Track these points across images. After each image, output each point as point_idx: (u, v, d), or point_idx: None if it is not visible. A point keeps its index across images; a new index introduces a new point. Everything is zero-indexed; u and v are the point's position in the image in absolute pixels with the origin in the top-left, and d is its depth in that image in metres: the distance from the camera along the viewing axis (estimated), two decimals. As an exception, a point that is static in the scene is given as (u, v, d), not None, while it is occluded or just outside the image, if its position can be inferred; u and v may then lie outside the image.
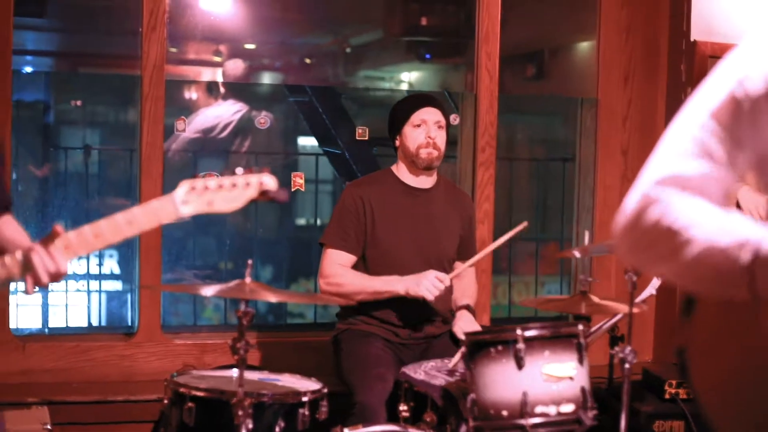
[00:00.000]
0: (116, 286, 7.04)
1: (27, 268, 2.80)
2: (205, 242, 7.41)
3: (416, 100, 4.83)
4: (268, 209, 7.31)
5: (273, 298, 3.68)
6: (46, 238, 2.81)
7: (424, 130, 4.67)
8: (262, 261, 7.46)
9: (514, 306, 7.03)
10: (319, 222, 7.66)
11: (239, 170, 2.87)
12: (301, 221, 8.33)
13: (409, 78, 7.97)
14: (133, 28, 5.34)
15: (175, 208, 2.83)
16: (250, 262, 3.70)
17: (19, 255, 2.83)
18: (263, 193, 2.86)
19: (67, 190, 6.67)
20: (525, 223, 4.56)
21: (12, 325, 5.08)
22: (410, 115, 4.71)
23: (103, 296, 6.97)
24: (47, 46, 7.28)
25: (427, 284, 4.46)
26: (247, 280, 3.64)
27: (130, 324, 5.49)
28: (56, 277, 2.82)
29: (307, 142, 8.32)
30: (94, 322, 6.84)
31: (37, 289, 2.84)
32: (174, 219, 2.86)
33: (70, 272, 2.87)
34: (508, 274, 7.19)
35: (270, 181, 2.88)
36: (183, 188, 2.83)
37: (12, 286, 3.30)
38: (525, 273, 7.55)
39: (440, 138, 4.69)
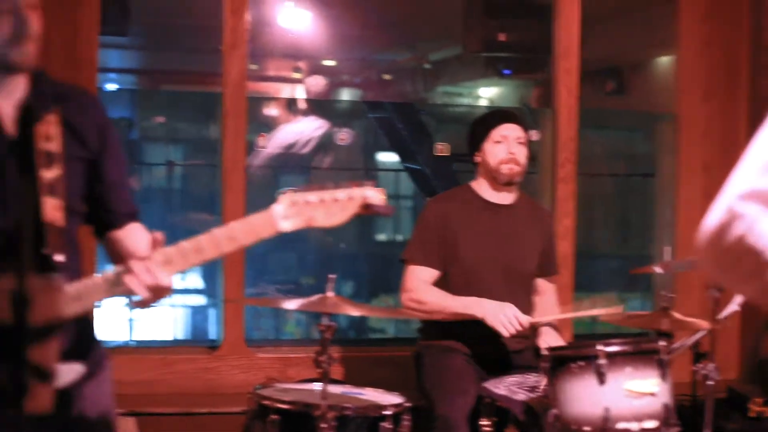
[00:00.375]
0: (199, 300, 7.12)
1: (124, 286, 2.74)
2: (286, 257, 7.47)
3: (496, 116, 4.83)
4: (348, 224, 7.34)
5: (355, 312, 3.71)
6: (142, 256, 2.74)
7: (505, 147, 4.67)
8: (343, 276, 7.50)
9: (598, 323, 6.98)
10: (399, 237, 7.69)
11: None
12: (382, 237, 8.36)
13: (487, 93, 7.97)
14: (214, 45, 5.41)
15: (275, 223, 2.75)
16: (332, 276, 3.73)
17: (116, 270, 2.79)
18: (366, 207, 2.75)
19: (150, 206, 6.76)
20: (620, 308, 4.44)
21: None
22: (490, 131, 4.71)
23: (187, 310, 7.06)
24: (130, 63, 7.40)
25: (503, 320, 4.41)
26: (330, 294, 3.67)
27: (213, 337, 5.54)
28: (157, 291, 2.75)
29: (387, 157, 8.35)
30: (178, 336, 6.93)
31: (142, 305, 2.77)
32: (274, 234, 2.78)
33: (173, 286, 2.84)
34: (591, 290, 7.15)
35: (374, 195, 2.76)
36: (283, 203, 2.75)
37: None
38: (607, 289, 7.50)
39: (521, 154, 4.68)
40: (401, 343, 5.89)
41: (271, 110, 7.26)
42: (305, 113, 7.17)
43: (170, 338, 6.84)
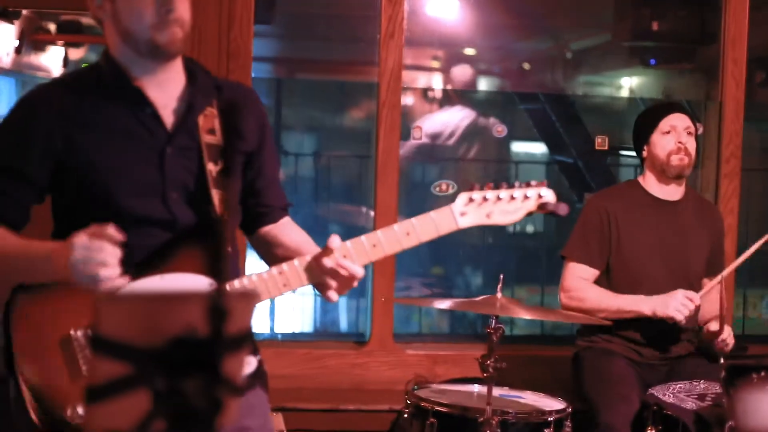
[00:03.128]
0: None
1: (314, 278, 2.80)
2: (426, 248, 7.36)
3: (663, 107, 4.66)
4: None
5: (526, 315, 3.56)
6: (324, 249, 2.79)
7: (674, 137, 4.49)
8: (473, 268, 7.35)
9: (747, 320, 6.75)
10: (530, 229, 7.53)
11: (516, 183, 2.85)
12: (512, 228, 8.20)
13: (629, 84, 7.77)
14: (366, 34, 5.33)
15: (453, 219, 2.82)
16: (501, 276, 3.60)
17: (301, 263, 2.81)
18: (541, 206, 2.83)
19: (298, 197, 6.72)
20: None
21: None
22: (659, 122, 4.53)
23: (315, 300, 6.99)
24: (271, 52, 7.38)
25: (676, 305, 4.27)
26: (498, 295, 3.54)
27: (353, 329, 5.48)
28: (350, 282, 2.80)
29: (530, 148, 8.19)
30: (307, 327, 6.88)
31: (336, 296, 2.83)
32: (452, 230, 2.84)
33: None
34: (743, 287, 6.90)
35: (549, 194, 2.85)
36: (461, 199, 2.83)
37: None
38: (761, 286, 7.23)
39: (691, 144, 4.50)
40: (553, 342, 5.74)
41: (417, 100, 7.16)
42: (452, 103, 7.04)
43: (306, 329, 6.78)
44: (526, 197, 2.83)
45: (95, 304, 1.81)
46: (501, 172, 7.19)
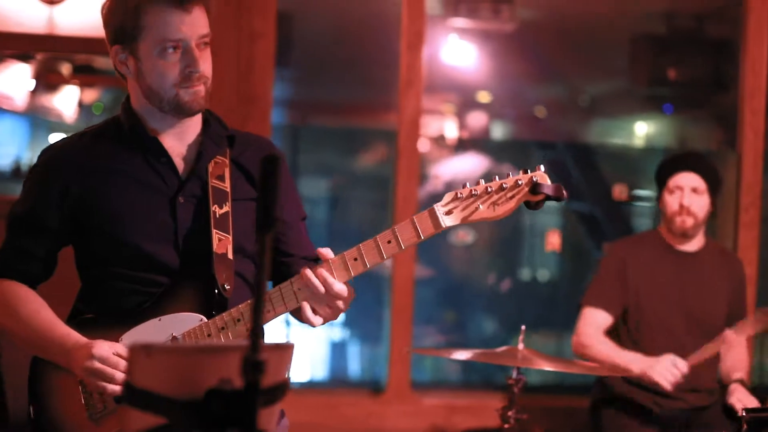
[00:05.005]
0: (335, 334, 7.03)
1: (298, 296, 2.75)
2: (428, 292, 7.34)
3: (673, 163, 4.61)
4: (491, 259, 7.16)
5: (549, 366, 3.51)
6: (309, 267, 2.75)
7: (678, 198, 4.48)
8: (484, 313, 7.32)
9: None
10: (545, 276, 7.50)
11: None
12: (525, 275, 8.17)
13: (643, 131, 7.77)
14: (383, 80, 5.36)
15: (436, 218, 2.68)
16: (523, 328, 3.56)
17: (284, 284, 2.78)
18: (536, 190, 2.62)
19: (312, 242, 6.71)
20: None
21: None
22: (666, 180, 4.53)
23: (325, 346, 6.97)
24: (294, 96, 7.40)
25: (661, 370, 4.25)
26: (520, 346, 3.50)
27: (366, 377, 5.47)
28: (331, 299, 2.73)
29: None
30: (318, 374, 6.86)
31: (318, 317, 2.78)
32: (437, 231, 2.70)
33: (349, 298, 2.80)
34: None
35: (541, 175, 2.66)
36: (446, 198, 2.70)
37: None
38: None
39: (696, 204, 4.47)
40: (572, 392, 5.70)
41: (432, 147, 7.17)
42: (458, 149, 7.05)
43: (316, 376, 6.75)
44: (516, 184, 2.64)
45: (129, 356, 1.80)
46: (515, 220, 7.17)
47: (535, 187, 2.62)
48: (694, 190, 4.48)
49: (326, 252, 2.75)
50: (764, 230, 5.49)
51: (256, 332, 1.71)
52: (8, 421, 2.99)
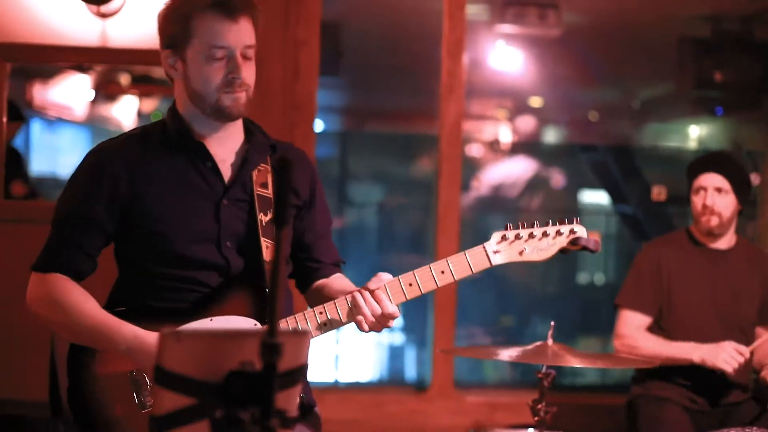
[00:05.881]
0: (396, 339, 7.14)
1: (354, 312, 2.91)
2: (484, 296, 7.43)
3: (698, 165, 4.66)
4: (550, 264, 7.25)
5: (577, 362, 3.61)
6: (370, 282, 2.92)
7: (702, 198, 4.54)
8: (542, 317, 7.41)
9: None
10: (602, 279, 7.55)
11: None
12: (583, 278, 8.23)
13: (697, 133, 7.80)
14: (428, 86, 5.45)
15: (486, 257, 2.94)
16: (552, 323, 3.66)
17: (339, 301, 2.94)
18: (574, 242, 2.93)
19: (361, 245, 6.83)
20: None
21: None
22: (692, 181, 4.60)
23: (385, 349, 7.08)
24: (343, 103, 7.51)
25: (725, 356, 4.32)
26: (549, 342, 3.61)
27: (410, 377, 5.57)
28: (384, 319, 2.91)
29: (596, 198, 8.24)
30: (376, 376, 6.96)
31: (369, 330, 2.93)
32: (486, 268, 2.95)
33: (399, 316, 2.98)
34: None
35: (581, 230, 2.96)
36: (494, 238, 2.94)
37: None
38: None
39: (721, 203, 4.52)
40: (612, 390, 5.78)
41: (475, 150, 7.26)
42: (510, 153, 7.13)
43: (372, 378, 6.87)
44: (558, 233, 2.95)
45: (159, 340, 1.95)
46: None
47: (575, 240, 2.95)
48: (718, 190, 4.52)
49: (385, 276, 2.93)
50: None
51: (273, 317, 1.85)
52: (62, 411, 3.09)
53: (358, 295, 2.91)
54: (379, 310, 2.89)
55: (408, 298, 2.95)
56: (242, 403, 1.87)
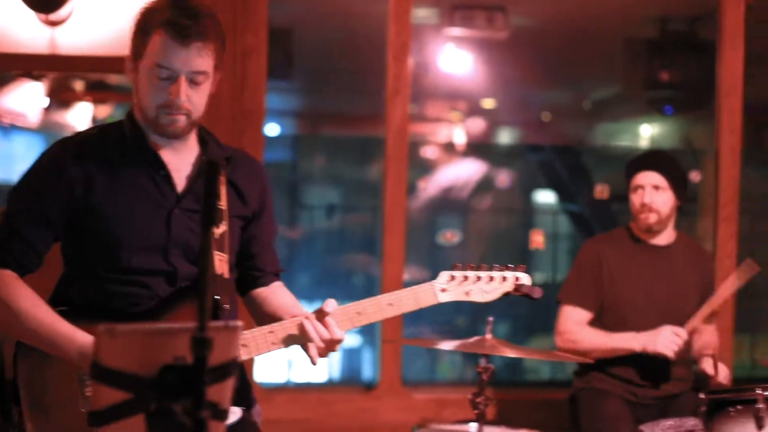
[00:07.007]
0: (354, 341, 7.21)
1: (301, 338, 2.98)
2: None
3: (635, 163, 4.77)
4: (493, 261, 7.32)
5: (512, 354, 3.74)
6: (319, 310, 2.98)
7: (640, 196, 4.65)
8: (499, 317, 7.47)
9: (761, 366, 6.84)
10: (558, 278, 7.64)
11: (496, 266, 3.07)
12: (539, 278, 8.32)
13: (648, 132, 7.90)
14: (376, 88, 5.51)
15: (434, 295, 3.05)
16: (490, 319, 3.78)
17: (290, 324, 3.00)
18: (517, 288, 3.06)
19: (310, 248, 6.90)
20: (757, 269, 4.49)
21: (258, 378, 5.27)
22: (631, 180, 4.71)
23: (342, 351, 7.14)
24: (290, 106, 7.55)
25: (664, 340, 4.43)
26: (488, 336, 3.72)
27: (367, 378, 5.63)
28: (332, 344, 2.98)
29: (546, 198, 8.34)
30: (334, 376, 7.01)
31: (316, 355, 3.01)
32: (431, 304, 3.07)
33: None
34: (753, 331, 7.00)
35: (525, 278, 3.08)
36: (443, 277, 3.06)
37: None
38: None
39: (659, 200, 4.63)
40: (557, 386, 5.88)
41: (430, 152, 7.33)
42: (464, 155, 7.21)
43: (326, 379, 6.93)
44: (503, 279, 3.08)
45: (96, 337, 2.02)
46: (509, 222, 7.34)
47: (518, 288, 3.08)
48: (656, 188, 4.63)
49: (331, 303, 2.99)
50: (742, 225, 5.64)
51: (203, 312, 1.94)
52: (11, 416, 3.10)
53: (306, 322, 2.97)
54: (327, 336, 2.96)
55: (356, 326, 3.04)
56: (175, 396, 1.96)
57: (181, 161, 3.08)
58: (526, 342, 7.42)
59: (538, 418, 4.96)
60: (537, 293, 3.06)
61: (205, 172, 2.04)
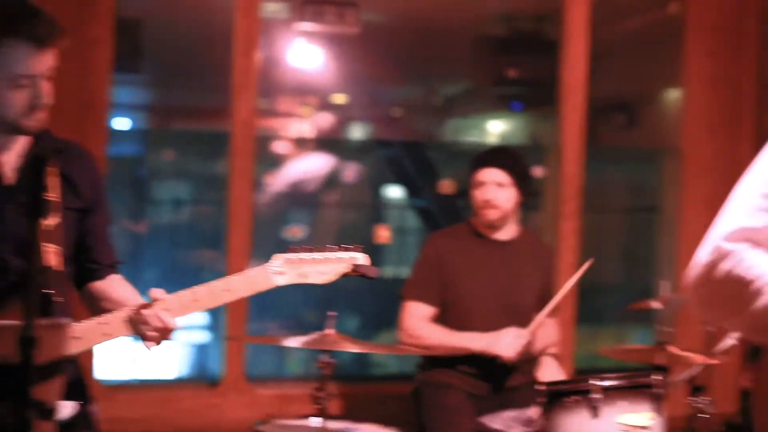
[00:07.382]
0: (204, 337, 7.15)
1: (133, 327, 2.96)
2: (290, 293, 7.46)
3: (478, 160, 4.82)
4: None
5: (354, 348, 3.76)
6: (147, 303, 2.97)
7: (482, 192, 4.70)
8: (348, 311, 7.50)
9: (601, 357, 6.99)
10: (405, 273, 7.69)
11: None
12: (387, 272, 8.35)
13: (497, 129, 8.00)
14: (224, 84, 5.47)
15: (269, 278, 3.05)
16: (332, 314, 3.79)
17: (122, 314, 2.98)
18: (354, 269, 3.07)
19: (158, 243, 6.81)
20: (590, 261, 4.61)
21: (99, 375, 5.18)
22: (473, 176, 4.76)
23: (191, 347, 7.07)
24: (139, 100, 7.44)
25: (505, 344, 4.50)
26: (329, 331, 3.73)
27: (214, 374, 5.58)
28: (165, 332, 2.98)
29: (395, 193, 8.38)
30: (182, 373, 6.94)
31: (154, 346, 3.00)
32: (269, 288, 3.06)
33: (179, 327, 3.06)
34: (594, 323, 7.15)
35: (360, 258, 3.10)
36: (277, 260, 3.05)
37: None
38: (611, 323, 7.50)
39: (501, 197, 4.68)
40: (402, 379, 5.91)
41: (280, 147, 7.30)
42: (313, 150, 7.20)
43: (173, 375, 6.85)
44: (339, 259, 3.09)
45: None
46: (358, 216, 7.36)
47: (355, 268, 3.09)
48: (499, 185, 4.69)
49: (159, 292, 2.99)
50: (611, 220, 5.76)
51: (29, 311, 1.90)
52: None
53: (137, 311, 2.96)
54: (160, 324, 2.95)
55: (192, 312, 3.03)
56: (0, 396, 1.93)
57: (11, 154, 3.05)
58: (375, 337, 7.44)
59: (383, 412, 4.97)
60: (373, 272, 3.09)
61: (30, 164, 2.01)
